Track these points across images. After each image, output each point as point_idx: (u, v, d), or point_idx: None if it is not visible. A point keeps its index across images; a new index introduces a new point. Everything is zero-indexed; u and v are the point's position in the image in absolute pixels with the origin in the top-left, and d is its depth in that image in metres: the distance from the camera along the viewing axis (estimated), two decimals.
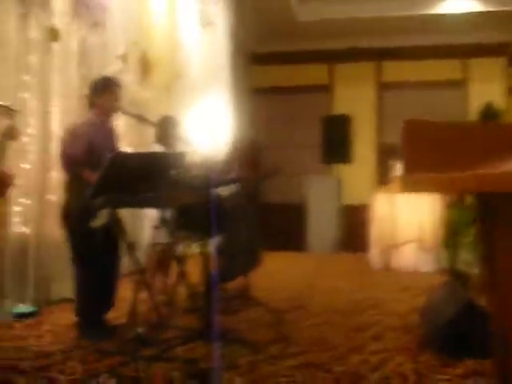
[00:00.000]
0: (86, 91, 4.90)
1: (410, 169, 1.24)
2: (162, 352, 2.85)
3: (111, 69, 5.55)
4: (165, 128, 4.40)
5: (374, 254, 6.13)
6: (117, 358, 2.83)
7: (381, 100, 9.99)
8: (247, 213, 4.17)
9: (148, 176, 2.84)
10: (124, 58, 5.78)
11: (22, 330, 3.64)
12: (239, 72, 10.14)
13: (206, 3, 7.87)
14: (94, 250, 3.15)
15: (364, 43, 9.72)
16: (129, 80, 5.86)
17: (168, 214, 3.45)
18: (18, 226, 4.16)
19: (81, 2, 5.01)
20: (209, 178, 3.05)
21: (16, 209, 4.13)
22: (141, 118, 3.62)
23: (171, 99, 7.16)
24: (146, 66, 6.31)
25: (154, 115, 6.32)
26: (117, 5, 5.59)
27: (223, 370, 2.59)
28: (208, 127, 7.82)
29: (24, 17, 4.19)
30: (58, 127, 4.43)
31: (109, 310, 3.51)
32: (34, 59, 4.29)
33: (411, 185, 1.18)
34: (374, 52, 9.85)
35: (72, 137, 3.32)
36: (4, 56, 4.01)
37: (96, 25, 5.26)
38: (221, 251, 3.77)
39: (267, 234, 8.43)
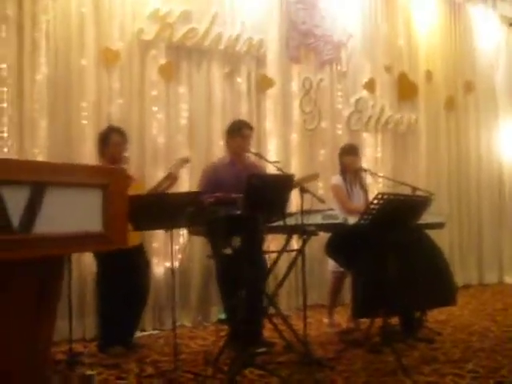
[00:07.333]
0: (308, 126, 5.28)
1: None
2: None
3: (354, 98, 5.63)
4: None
5: None
6: None
7: None
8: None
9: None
10: (369, 85, 5.75)
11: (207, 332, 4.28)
12: None
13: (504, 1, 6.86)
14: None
15: None
16: (378, 105, 5.77)
17: None
18: None
19: (312, 46, 5.39)
20: None
21: None
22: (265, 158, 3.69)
23: (457, 115, 6.52)
24: (406, 88, 6.05)
25: (420, 137, 6.03)
26: (358, 34, 5.69)
27: None
28: None
29: (232, 73, 4.87)
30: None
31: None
32: (244, 108, 4.88)
33: None
34: None
35: (203, 173, 3.76)
36: (213, 105, 4.75)
37: (328, 61, 5.51)
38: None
39: None
